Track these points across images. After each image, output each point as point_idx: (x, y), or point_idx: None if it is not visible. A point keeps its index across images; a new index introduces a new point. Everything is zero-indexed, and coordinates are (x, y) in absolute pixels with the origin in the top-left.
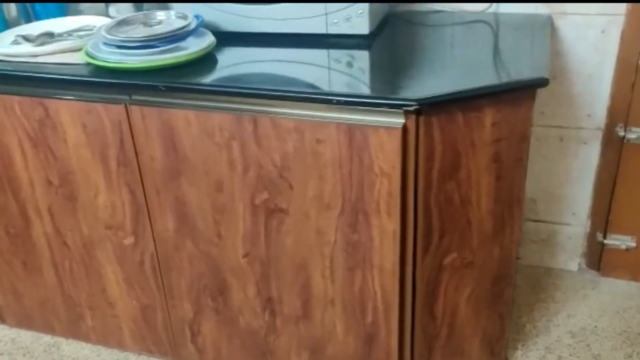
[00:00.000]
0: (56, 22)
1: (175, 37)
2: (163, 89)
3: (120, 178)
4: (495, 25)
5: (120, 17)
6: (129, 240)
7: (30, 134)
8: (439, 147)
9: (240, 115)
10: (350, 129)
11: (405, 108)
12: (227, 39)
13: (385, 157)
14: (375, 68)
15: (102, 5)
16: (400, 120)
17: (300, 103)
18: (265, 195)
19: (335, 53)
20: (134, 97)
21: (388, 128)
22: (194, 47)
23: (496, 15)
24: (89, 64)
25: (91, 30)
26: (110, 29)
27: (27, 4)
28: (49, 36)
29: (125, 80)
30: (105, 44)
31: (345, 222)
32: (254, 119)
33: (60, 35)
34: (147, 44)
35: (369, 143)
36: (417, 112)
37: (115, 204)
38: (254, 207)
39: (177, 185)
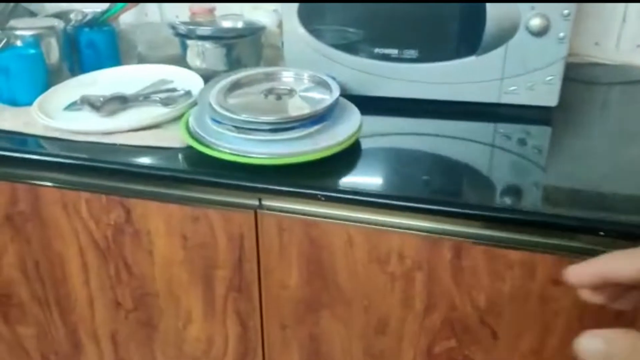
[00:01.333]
0: (117, 73)
1: (321, 115)
2: (322, 199)
3: (229, 306)
4: None
5: (232, 75)
6: None
7: (99, 243)
8: None
9: (436, 240)
10: None
11: None
12: (359, 105)
13: None
14: (600, 164)
15: (172, 47)
16: None
17: (536, 229)
18: (451, 344)
19: (515, 130)
20: (266, 202)
21: None
22: (344, 129)
23: None
24: (191, 148)
25: (174, 90)
26: (222, 97)
27: (73, 47)
28: (121, 101)
29: (256, 181)
30: (216, 121)
31: None
32: (457, 245)
33: (135, 98)
34: (284, 126)
35: None
36: None
37: (213, 337)
38: (431, 356)
39: (315, 319)
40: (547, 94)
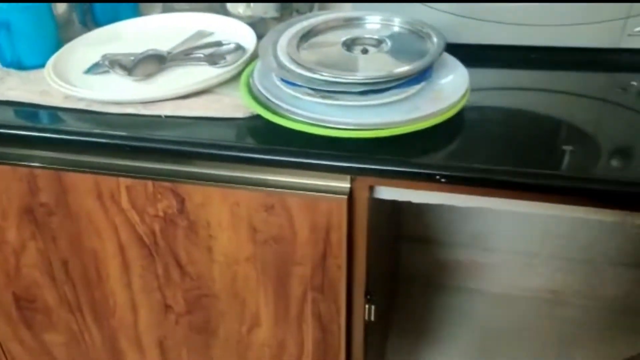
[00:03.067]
0: (140, 25)
1: (422, 72)
2: (442, 180)
3: (307, 308)
4: None
5: (303, 21)
6: None
7: (144, 238)
8: None
9: None
10: None
11: None
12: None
13: None
14: None
15: None
16: None
17: None
18: None
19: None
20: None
21: None
22: (449, 90)
23: None
24: (259, 118)
25: (219, 44)
26: (294, 51)
27: None
28: (158, 60)
29: (349, 159)
30: (290, 82)
31: None
32: None
33: (174, 57)
34: (380, 87)
35: None
36: None
37: (284, 342)
38: None
39: None
40: None
